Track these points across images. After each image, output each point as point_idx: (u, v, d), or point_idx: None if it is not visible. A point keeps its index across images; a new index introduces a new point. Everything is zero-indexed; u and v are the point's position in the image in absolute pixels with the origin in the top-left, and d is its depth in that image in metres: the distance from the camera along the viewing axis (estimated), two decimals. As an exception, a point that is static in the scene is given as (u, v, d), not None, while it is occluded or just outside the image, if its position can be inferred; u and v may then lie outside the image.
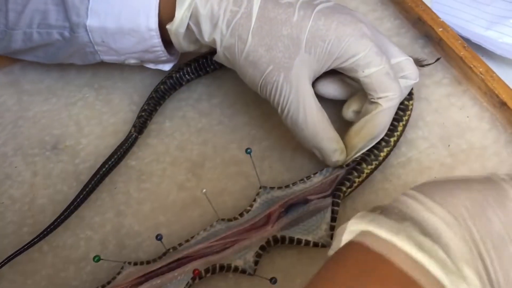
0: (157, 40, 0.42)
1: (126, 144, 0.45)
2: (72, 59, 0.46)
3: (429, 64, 0.46)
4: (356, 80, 0.40)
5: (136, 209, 0.43)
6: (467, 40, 0.48)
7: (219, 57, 0.42)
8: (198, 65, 0.48)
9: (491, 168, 0.42)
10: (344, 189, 0.40)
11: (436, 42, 0.48)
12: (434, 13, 0.48)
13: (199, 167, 0.45)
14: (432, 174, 0.42)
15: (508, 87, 0.43)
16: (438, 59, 0.46)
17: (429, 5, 0.52)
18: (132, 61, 0.45)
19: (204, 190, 0.38)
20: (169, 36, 0.42)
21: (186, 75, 0.48)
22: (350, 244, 0.25)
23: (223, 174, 0.44)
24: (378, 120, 0.40)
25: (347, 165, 0.41)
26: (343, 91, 0.43)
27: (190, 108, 0.48)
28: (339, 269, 0.24)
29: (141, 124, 0.46)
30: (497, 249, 0.24)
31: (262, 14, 0.39)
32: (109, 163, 0.44)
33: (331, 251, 0.27)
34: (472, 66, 0.45)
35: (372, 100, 0.40)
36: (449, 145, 0.43)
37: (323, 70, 0.40)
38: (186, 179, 0.44)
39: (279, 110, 0.40)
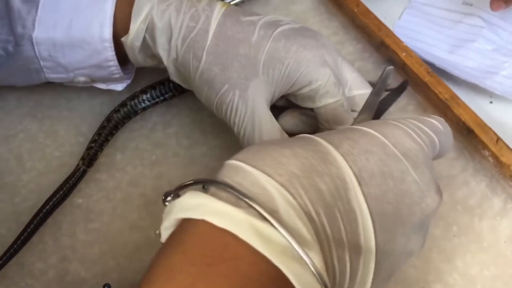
0: (110, 53, 0.39)
1: (73, 179, 0.41)
2: (13, 79, 0.42)
3: (394, 89, 0.44)
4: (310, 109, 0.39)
5: (83, 253, 0.39)
6: (431, 64, 0.47)
7: (174, 75, 0.40)
8: (155, 91, 0.45)
9: (461, 198, 0.40)
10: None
11: (400, 67, 0.46)
12: (397, 38, 0.47)
13: (154, 204, 0.41)
14: (401, 206, 0.40)
15: (474, 113, 0.42)
16: (403, 83, 0.45)
17: (392, 29, 0.51)
18: (82, 79, 0.42)
19: (158, 231, 0.35)
20: (123, 50, 0.39)
21: (142, 103, 0.45)
22: (189, 226, 0.23)
23: (180, 211, 0.40)
24: None
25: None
26: (307, 125, 0.41)
27: (143, 138, 0.45)
28: (183, 257, 0.22)
29: (90, 157, 0.42)
30: (329, 207, 0.23)
31: (220, 32, 0.37)
32: (53, 200, 0.40)
33: (164, 231, 0.25)
34: (437, 92, 0.43)
35: (325, 130, 0.38)
36: (417, 175, 0.41)
37: (281, 93, 0.38)
38: (139, 218, 0.40)
39: (235, 130, 0.38)
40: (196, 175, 0.42)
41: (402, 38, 0.49)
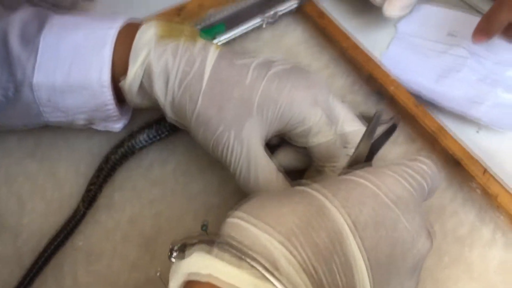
0: (109, 97, 0.40)
1: (74, 221, 0.42)
2: (12, 122, 0.43)
3: (385, 123, 0.46)
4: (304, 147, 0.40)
5: (85, 295, 0.40)
6: (418, 96, 0.48)
7: (171, 117, 0.41)
8: (151, 131, 0.46)
9: (451, 229, 0.41)
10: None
11: (388, 100, 0.48)
12: (385, 71, 0.48)
13: (153, 242, 0.42)
14: (394, 239, 0.41)
15: (461, 145, 0.43)
16: (391, 118, 0.46)
17: (379, 58, 0.52)
18: (81, 122, 0.43)
19: (158, 273, 0.36)
20: (120, 92, 0.40)
21: (139, 143, 0.46)
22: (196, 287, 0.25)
23: (179, 249, 0.41)
24: None
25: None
26: (301, 162, 0.42)
27: (140, 177, 0.46)
28: None
29: (90, 199, 0.43)
30: (326, 261, 0.25)
31: (215, 75, 0.38)
32: (55, 243, 0.41)
33: None
34: (424, 124, 0.45)
35: (317, 167, 0.39)
36: (408, 207, 0.42)
37: (275, 132, 0.40)
38: (138, 257, 0.41)
39: (231, 170, 0.39)
40: (195, 212, 0.43)
41: (390, 68, 0.51)
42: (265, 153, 0.39)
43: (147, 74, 0.39)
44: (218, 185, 0.45)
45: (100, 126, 0.44)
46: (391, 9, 0.52)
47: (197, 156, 0.46)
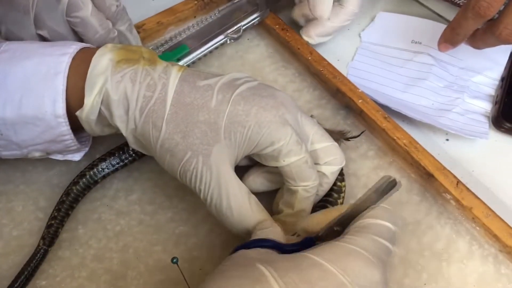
0: (65, 128, 0.38)
1: (35, 261, 0.40)
2: None
3: (354, 137, 0.45)
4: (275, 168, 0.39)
5: None
6: (386, 107, 0.48)
7: (134, 143, 0.39)
8: (114, 158, 0.44)
9: (427, 244, 0.41)
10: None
11: (357, 113, 0.47)
12: (352, 84, 0.48)
13: (121, 278, 0.40)
14: (371, 258, 0.40)
15: (433, 157, 0.43)
16: (362, 132, 0.45)
17: (345, 70, 0.52)
18: (37, 154, 0.40)
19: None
20: (77, 121, 0.38)
21: (101, 171, 0.44)
22: None
23: (149, 284, 0.39)
24: (301, 207, 0.38)
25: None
26: (273, 182, 0.41)
27: (105, 208, 0.43)
28: None
29: (51, 235, 0.41)
30: None
31: (178, 99, 0.37)
32: (15, 286, 0.39)
33: None
34: (395, 138, 0.44)
35: (290, 188, 0.39)
36: (383, 223, 0.42)
37: (244, 154, 0.38)
38: (107, 295, 0.39)
39: (201, 197, 0.37)
40: (163, 243, 0.41)
41: (356, 80, 0.50)
42: (236, 178, 0.37)
43: (105, 103, 0.37)
44: (187, 212, 0.43)
45: (58, 156, 0.42)
46: (307, 37, 0.52)
47: (164, 183, 0.44)
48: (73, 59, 0.38)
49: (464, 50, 0.51)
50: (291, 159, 0.37)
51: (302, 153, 0.37)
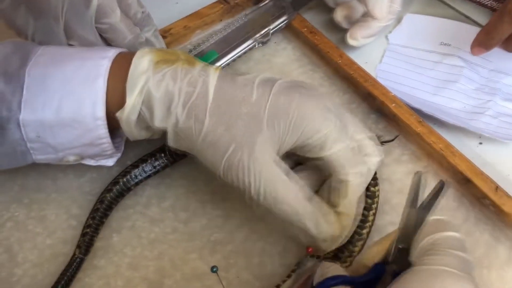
0: (103, 131, 0.38)
1: (71, 270, 0.39)
2: None
3: (388, 142, 0.44)
4: (319, 160, 0.38)
5: None
6: (418, 110, 0.47)
7: (173, 142, 0.38)
8: (146, 165, 0.44)
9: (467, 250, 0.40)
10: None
11: (390, 117, 0.46)
12: (384, 88, 0.47)
13: (158, 287, 0.39)
14: (409, 264, 0.39)
15: (470, 162, 0.42)
16: (396, 137, 0.45)
17: (373, 73, 0.51)
18: (72, 158, 0.40)
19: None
20: (114, 125, 0.38)
21: (134, 178, 0.43)
22: None
23: (186, 292, 0.39)
24: (354, 196, 0.38)
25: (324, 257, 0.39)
26: (319, 181, 0.40)
27: (139, 216, 0.43)
28: None
29: (86, 244, 0.40)
30: None
31: (219, 94, 0.37)
32: (52, 296, 0.38)
33: None
34: (431, 142, 0.43)
35: (340, 177, 0.37)
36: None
37: (288, 146, 0.38)
38: (144, 304, 0.39)
39: (251, 191, 0.36)
40: (199, 251, 0.41)
41: (385, 82, 0.49)
42: (285, 167, 0.37)
43: (147, 101, 0.37)
44: (222, 218, 0.42)
45: (91, 162, 0.42)
46: (352, 40, 0.52)
47: (197, 189, 0.44)
48: (112, 62, 0.37)
49: (493, 51, 0.51)
50: (338, 146, 0.37)
51: (347, 139, 0.37)
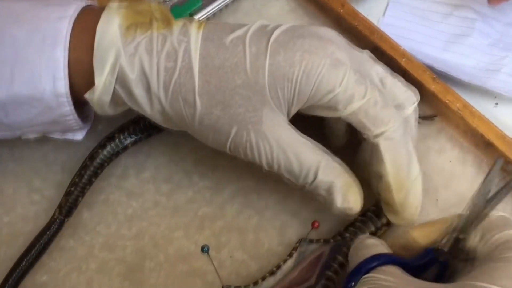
0: (68, 108, 0.32)
1: (49, 233, 0.34)
2: None
3: (426, 119, 0.39)
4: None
5: None
6: (429, 67, 0.42)
7: (165, 123, 0.33)
8: (149, 122, 0.37)
9: (489, 223, 0.36)
10: (331, 274, 0.32)
11: (400, 74, 0.41)
12: (393, 41, 0.42)
13: (138, 270, 0.34)
14: (426, 239, 0.35)
15: (492, 124, 0.37)
16: (435, 116, 0.39)
17: (377, 26, 0.45)
18: (32, 136, 0.34)
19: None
20: (80, 99, 0.32)
21: (132, 135, 0.37)
22: None
23: (171, 276, 0.34)
24: (394, 162, 0.32)
25: (334, 240, 0.33)
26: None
27: (113, 188, 0.37)
28: None
29: (70, 204, 0.35)
30: None
31: (206, 64, 0.31)
32: (22, 264, 0.33)
33: None
34: (447, 101, 0.38)
35: (369, 141, 0.32)
36: (436, 200, 0.37)
37: (296, 110, 0.32)
38: (121, 291, 0.33)
39: (265, 167, 0.32)
40: (184, 228, 0.36)
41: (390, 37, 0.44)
42: (299, 135, 0.32)
43: (121, 82, 0.31)
44: (210, 191, 0.37)
45: (57, 135, 0.36)
46: None
47: (181, 157, 0.38)
48: (74, 23, 0.31)
49: (508, 3, 0.46)
50: (354, 104, 0.31)
51: (367, 94, 0.31)
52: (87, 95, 0.31)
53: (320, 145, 0.32)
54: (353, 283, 0.27)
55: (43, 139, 0.38)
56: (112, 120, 0.39)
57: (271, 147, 0.31)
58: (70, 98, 0.31)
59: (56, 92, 0.30)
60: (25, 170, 0.37)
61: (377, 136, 0.31)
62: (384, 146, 0.31)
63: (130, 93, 0.31)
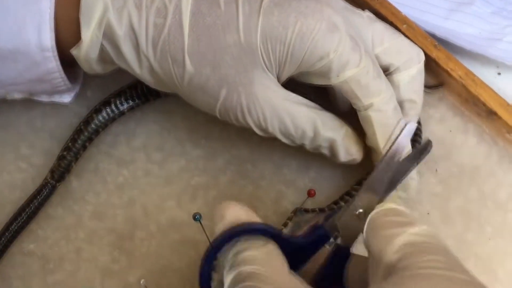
0: (54, 64, 0.30)
1: (39, 197, 0.33)
2: None
3: (430, 88, 0.38)
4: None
5: (45, 316, 0.30)
6: (431, 35, 0.40)
7: (155, 84, 0.32)
8: (146, 87, 0.36)
9: (490, 193, 0.35)
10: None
11: (400, 41, 0.40)
12: (394, 6, 0.40)
13: (128, 239, 0.33)
14: (424, 209, 0.34)
15: (495, 92, 0.36)
16: (440, 86, 0.38)
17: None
18: (18, 96, 0.33)
19: (142, 281, 0.27)
20: (68, 55, 0.31)
21: (129, 100, 0.36)
22: None
23: (162, 246, 0.33)
24: (378, 133, 0.31)
25: (329, 209, 0.33)
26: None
27: (103, 156, 0.36)
28: None
29: (62, 169, 0.34)
30: None
31: (196, 22, 0.29)
32: (11, 228, 0.32)
33: None
34: (448, 69, 0.37)
35: (360, 112, 0.31)
36: (436, 170, 0.36)
37: (288, 75, 0.31)
38: (111, 260, 0.32)
39: (258, 131, 0.31)
40: (177, 197, 0.34)
41: (390, 5, 0.42)
42: (291, 95, 0.31)
43: (109, 36, 0.29)
44: (203, 159, 0.36)
45: (43, 97, 0.34)
46: None
47: (173, 125, 0.37)
48: None
49: (512, -30, 0.44)
50: (348, 73, 0.30)
51: (361, 62, 0.30)
52: (73, 51, 0.30)
53: (313, 103, 0.31)
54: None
55: (30, 105, 0.37)
56: (102, 86, 0.38)
57: (263, 109, 0.30)
58: (56, 53, 0.30)
59: (42, 46, 0.29)
60: (11, 136, 0.36)
61: (367, 107, 0.31)
62: (374, 117, 0.31)
63: (118, 50, 0.29)
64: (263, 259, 0.24)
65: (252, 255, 0.24)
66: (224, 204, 0.27)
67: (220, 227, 0.26)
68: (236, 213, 0.26)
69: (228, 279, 0.23)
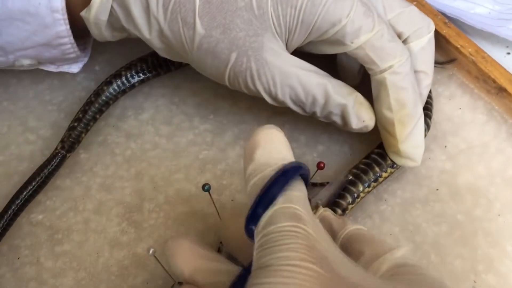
0: (64, 27, 0.30)
1: (50, 167, 0.33)
2: None
3: (443, 64, 0.38)
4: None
5: (53, 285, 0.30)
6: (441, 13, 0.40)
7: (163, 50, 0.32)
8: (156, 59, 0.36)
9: (498, 169, 0.34)
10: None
11: (409, 19, 0.39)
12: (404, -17, 0.40)
13: (136, 211, 0.33)
14: (433, 186, 0.34)
15: (504, 69, 0.36)
16: (453, 60, 0.38)
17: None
18: (26, 62, 0.33)
19: (151, 251, 0.27)
20: (77, 22, 0.30)
21: (141, 73, 0.36)
22: None
23: (171, 218, 0.33)
24: (400, 100, 0.31)
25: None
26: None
27: (111, 129, 0.36)
28: None
29: (73, 139, 0.34)
30: None
31: None
32: (22, 197, 0.32)
33: None
34: (459, 46, 0.37)
35: (375, 77, 0.31)
36: (445, 146, 0.35)
37: (299, 43, 0.31)
38: (120, 231, 0.32)
39: (267, 98, 0.31)
40: (185, 170, 0.34)
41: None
42: (301, 62, 0.31)
43: (119, 0, 0.29)
44: (211, 134, 0.36)
45: (51, 67, 0.34)
46: None
47: (181, 99, 0.37)
48: None
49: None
50: (361, 38, 0.29)
51: (375, 26, 0.29)
52: (83, 13, 0.29)
53: (322, 71, 0.31)
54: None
55: (38, 79, 0.37)
56: (110, 61, 0.38)
57: (273, 74, 0.29)
58: (66, 16, 0.29)
59: (52, 7, 0.29)
60: (19, 109, 0.36)
61: (383, 71, 0.30)
62: (390, 80, 0.30)
63: (128, 12, 0.29)
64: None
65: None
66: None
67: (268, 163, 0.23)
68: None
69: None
